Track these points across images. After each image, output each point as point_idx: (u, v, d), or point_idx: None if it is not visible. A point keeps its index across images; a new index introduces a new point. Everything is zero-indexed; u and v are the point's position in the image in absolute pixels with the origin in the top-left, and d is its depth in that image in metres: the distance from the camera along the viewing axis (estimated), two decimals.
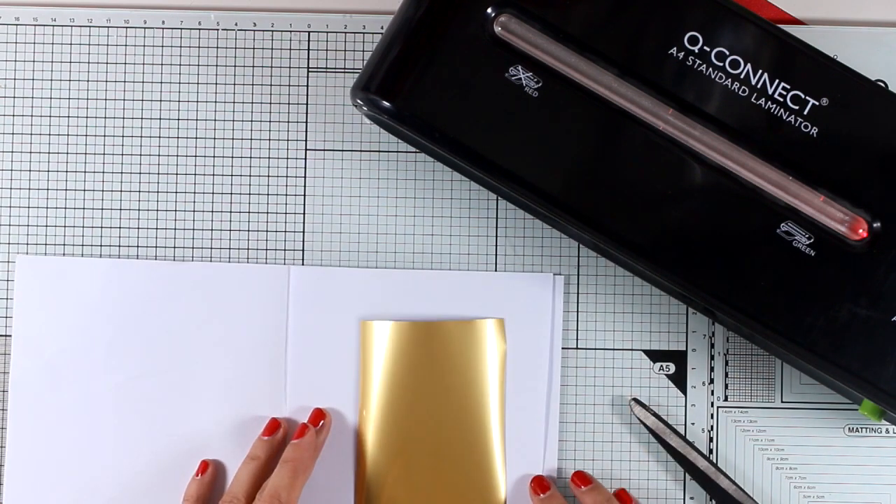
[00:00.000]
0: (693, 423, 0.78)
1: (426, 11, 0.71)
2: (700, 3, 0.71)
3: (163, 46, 0.80)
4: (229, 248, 0.79)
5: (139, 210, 0.79)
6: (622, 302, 0.78)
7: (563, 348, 0.78)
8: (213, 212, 0.79)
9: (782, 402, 0.78)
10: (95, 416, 0.77)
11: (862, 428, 0.78)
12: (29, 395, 0.77)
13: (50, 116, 0.79)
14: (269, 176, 0.79)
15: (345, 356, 0.78)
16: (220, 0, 0.80)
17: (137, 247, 0.79)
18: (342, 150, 0.79)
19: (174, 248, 0.79)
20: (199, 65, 0.80)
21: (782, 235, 0.70)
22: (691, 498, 0.78)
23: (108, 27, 0.80)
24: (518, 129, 0.71)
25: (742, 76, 0.70)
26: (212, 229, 0.79)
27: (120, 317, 0.78)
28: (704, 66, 0.70)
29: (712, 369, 0.78)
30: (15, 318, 0.78)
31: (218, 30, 0.80)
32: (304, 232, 0.79)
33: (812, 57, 0.71)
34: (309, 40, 0.80)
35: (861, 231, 0.70)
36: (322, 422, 0.76)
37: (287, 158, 0.79)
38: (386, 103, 0.71)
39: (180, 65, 0.80)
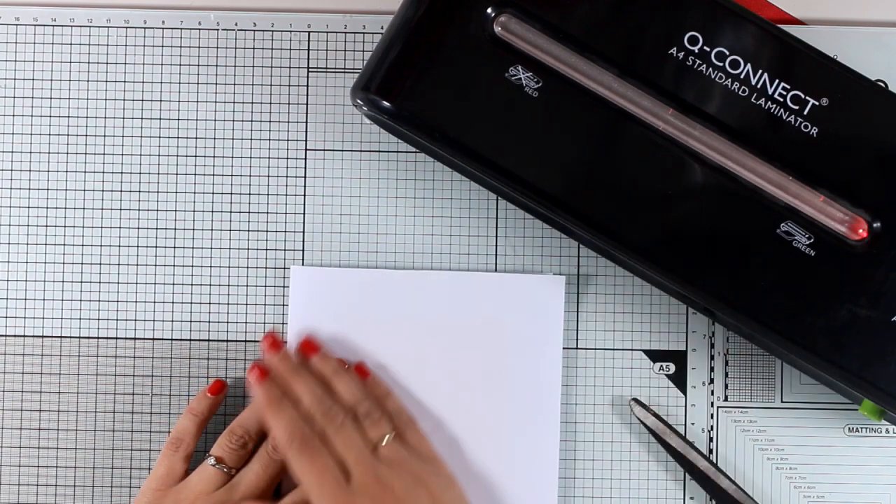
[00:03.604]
0: (693, 423, 0.78)
1: (426, 11, 0.71)
2: (700, 3, 0.71)
3: (163, 46, 0.80)
4: (229, 248, 0.79)
5: (139, 210, 0.79)
6: (622, 302, 0.78)
7: (563, 348, 0.78)
8: (213, 212, 0.79)
9: (782, 402, 0.78)
10: None
11: (862, 428, 0.78)
12: None
13: (50, 116, 0.79)
14: (269, 176, 0.79)
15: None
16: (220, 0, 0.80)
17: (137, 247, 0.79)
18: (342, 150, 0.79)
19: (174, 248, 0.79)
20: (199, 65, 0.80)
21: (782, 235, 0.70)
22: (691, 498, 0.78)
23: (108, 27, 0.80)
24: (518, 129, 0.71)
25: (742, 76, 0.70)
26: (212, 229, 0.79)
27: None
28: (704, 66, 0.70)
29: (712, 369, 0.78)
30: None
31: (218, 30, 0.80)
32: (304, 232, 0.79)
33: (812, 57, 0.71)
34: (309, 40, 0.80)
35: (861, 231, 0.70)
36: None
37: (287, 158, 0.79)
38: (386, 103, 0.71)
39: (180, 65, 0.80)
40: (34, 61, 0.80)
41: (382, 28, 0.79)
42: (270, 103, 0.79)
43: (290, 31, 0.79)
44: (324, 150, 0.79)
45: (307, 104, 0.79)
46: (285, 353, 0.76)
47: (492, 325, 0.77)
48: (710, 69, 0.70)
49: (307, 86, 0.79)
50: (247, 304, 0.79)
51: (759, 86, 0.70)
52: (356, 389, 0.74)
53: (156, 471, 0.75)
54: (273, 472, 0.74)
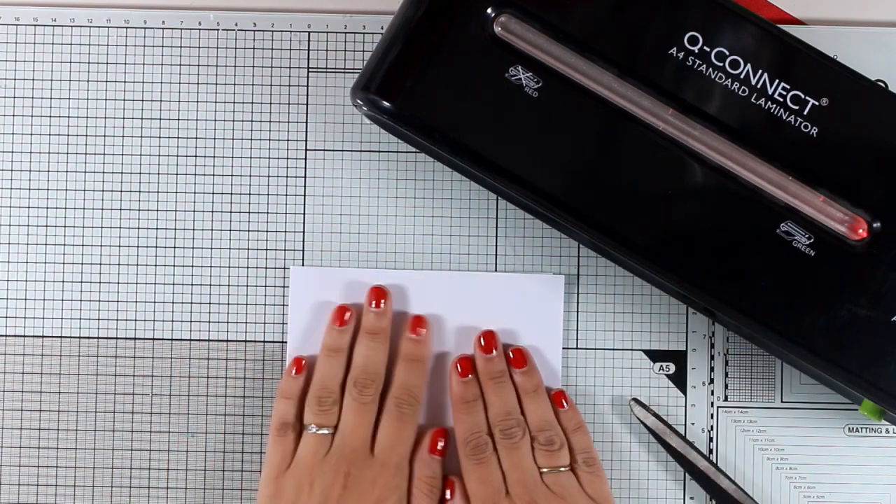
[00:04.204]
0: (693, 423, 0.78)
1: (426, 11, 0.71)
2: (700, 3, 0.71)
3: (163, 46, 0.80)
4: (229, 248, 0.79)
5: (139, 210, 0.79)
6: (622, 302, 0.78)
7: (563, 348, 0.78)
8: (213, 212, 0.79)
9: (782, 402, 0.78)
10: None
11: (862, 428, 0.78)
12: None
13: (50, 116, 0.79)
14: (269, 176, 0.79)
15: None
16: (220, 0, 0.80)
17: (137, 247, 0.79)
18: (342, 150, 0.79)
19: (174, 248, 0.79)
20: (199, 65, 0.80)
21: (782, 235, 0.70)
22: (691, 498, 0.78)
23: (108, 27, 0.80)
24: (518, 129, 0.71)
25: (742, 76, 0.70)
26: (212, 229, 0.79)
27: None
28: (704, 66, 0.70)
29: (712, 369, 0.78)
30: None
31: (218, 30, 0.80)
32: (304, 232, 0.79)
33: (812, 57, 0.71)
34: (309, 40, 0.80)
35: (861, 231, 0.70)
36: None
37: (287, 158, 0.79)
38: (386, 103, 0.71)
39: (180, 65, 0.80)
40: (34, 61, 0.80)
41: (382, 28, 0.79)
42: (270, 103, 0.79)
43: (290, 31, 0.79)
44: (324, 150, 0.79)
45: (307, 104, 0.79)
46: (497, 358, 0.76)
47: (491, 324, 0.77)
48: (710, 69, 0.70)
49: (307, 86, 0.79)
50: (247, 304, 0.79)
51: (759, 86, 0.70)
52: (547, 415, 0.75)
53: (270, 461, 0.74)
54: (369, 414, 0.74)
